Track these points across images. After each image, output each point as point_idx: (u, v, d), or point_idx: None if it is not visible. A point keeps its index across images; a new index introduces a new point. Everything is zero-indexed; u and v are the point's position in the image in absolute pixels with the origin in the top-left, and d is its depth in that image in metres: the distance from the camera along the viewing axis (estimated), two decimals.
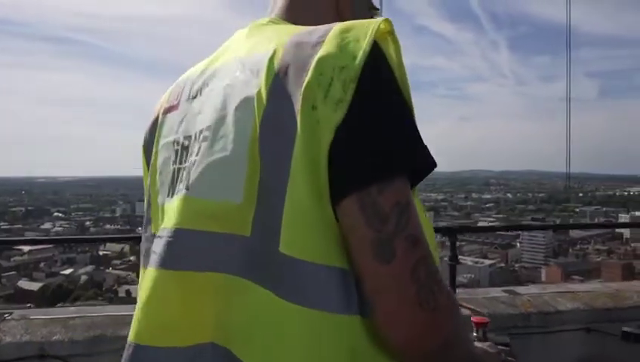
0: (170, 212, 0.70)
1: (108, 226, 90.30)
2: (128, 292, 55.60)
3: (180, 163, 0.72)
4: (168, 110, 0.80)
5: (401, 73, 0.61)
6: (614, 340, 2.80)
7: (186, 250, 0.65)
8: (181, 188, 0.69)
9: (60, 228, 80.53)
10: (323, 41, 0.60)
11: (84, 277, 58.62)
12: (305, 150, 0.56)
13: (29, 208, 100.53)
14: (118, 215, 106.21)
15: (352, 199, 0.56)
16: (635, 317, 2.93)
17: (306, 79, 0.57)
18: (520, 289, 3.40)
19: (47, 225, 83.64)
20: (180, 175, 0.71)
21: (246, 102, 0.63)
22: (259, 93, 0.61)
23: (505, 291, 3.30)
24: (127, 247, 71.23)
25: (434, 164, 0.60)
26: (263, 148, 0.60)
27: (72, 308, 3.11)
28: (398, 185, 0.57)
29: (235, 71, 0.68)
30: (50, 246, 62.27)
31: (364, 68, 0.57)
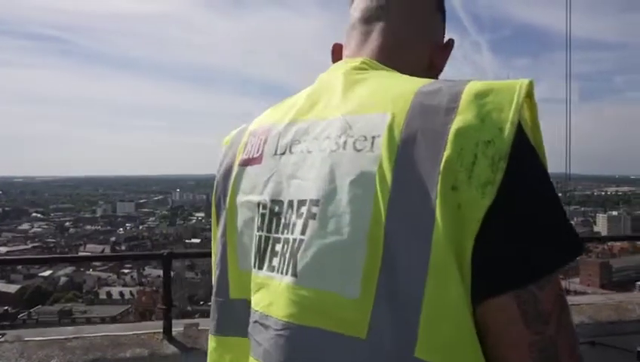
0: (271, 295, 0.62)
1: (88, 227, 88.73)
2: (109, 294, 54.76)
3: (269, 231, 0.65)
4: (247, 162, 0.72)
5: (537, 139, 0.54)
6: (620, 354, 2.82)
7: (297, 350, 0.58)
8: (281, 266, 0.61)
9: (38, 229, 78.87)
10: (456, 107, 0.52)
11: (63, 279, 57.45)
12: (446, 239, 0.48)
13: (7, 209, 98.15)
14: (98, 215, 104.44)
15: (508, 297, 0.49)
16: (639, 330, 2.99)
17: (445, 154, 0.50)
18: None
19: (25, 226, 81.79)
20: (272, 246, 0.64)
21: (363, 177, 0.55)
22: (381, 168, 0.54)
23: None
24: (107, 248, 70.14)
25: (583, 250, 0.53)
26: (389, 234, 0.52)
27: (70, 328, 3.02)
28: (556, 278, 0.51)
29: (339, 132, 0.60)
30: (28, 246, 60.85)
31: (513, 143, 0.49)
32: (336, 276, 0.55)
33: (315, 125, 0.65)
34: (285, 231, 0.62)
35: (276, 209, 0.65)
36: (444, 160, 0.49)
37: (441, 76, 0.73)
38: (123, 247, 74.08)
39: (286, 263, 0.61)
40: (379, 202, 0.53)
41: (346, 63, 0.71)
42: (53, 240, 75.25)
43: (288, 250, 0.61)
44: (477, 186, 0.48)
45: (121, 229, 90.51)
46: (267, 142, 0.70)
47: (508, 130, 0.49)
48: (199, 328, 2.85)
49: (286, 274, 0.60)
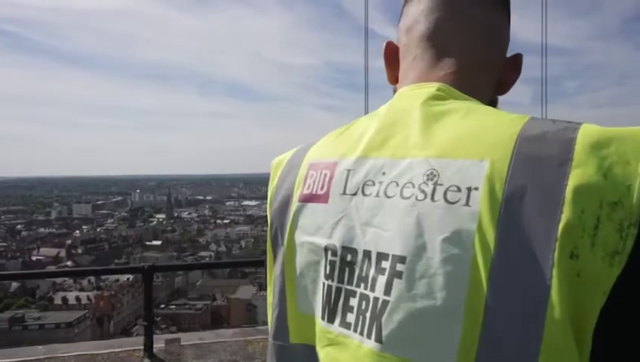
0: (350, 357, 0.56)
1: (42, 230, 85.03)
2: (65, 299, 52.64)
3: (340, 281, 0.59)
4: (309, 198, 0.65)
5: None
6: None
7: None
8: (360, 326, 0.55)
9: None
10: (571, 159, 0.45)
11: (15, 285, 54.80)
12: (562, 313, 0.43)
13: None
14: (53, 217, 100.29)
15: None
16: None
17: (563, 216, 0.44)
18: None
19: None
20: (345, 299, 0.58)
21: (459, 236, 0.49)
22: (480, 227, 0.47)
23: None
24: (63, 252, 67.46)
25: None
26: (491, 304, 0.46)
27: (40, 347, 2.84)
28: None
29: (424, 178, 0.53)
30: None
31: None
32: (428, 346, 0.50)
33: (392, 166, 0.57)
34: (362, 286, 0.57)
35: (349, 258, 0.59)
36: (562, 223, 0.43)
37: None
38: (79, 250, 71.43)
39: (367, 324, 0.55)
40: (478, 266, 0.47)
41: (420, 89, 0.63)
42: (4, 244, 71.70)
43: (369, 310, 0.55)
44: (602, 255, 0.43)
45: (78, 232, 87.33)
46: (334, 178, 0.63)
47: (637, 189, 0.43)
48: (181, 344, 2.74)
49: (368, 337, 0.54)
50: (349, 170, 0.61)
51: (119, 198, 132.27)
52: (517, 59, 0.69)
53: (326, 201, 0.63)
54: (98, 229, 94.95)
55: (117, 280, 56.72)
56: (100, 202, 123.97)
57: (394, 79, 0.73)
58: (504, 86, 0.68)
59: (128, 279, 53.58)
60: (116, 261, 77.31)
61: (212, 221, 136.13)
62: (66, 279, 54.29)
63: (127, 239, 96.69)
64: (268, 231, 0.73)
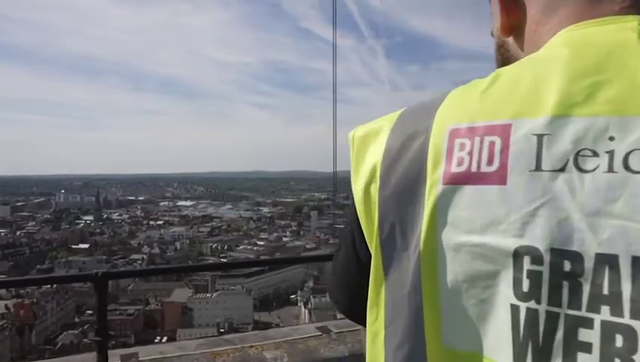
0: None
1: None
2: None
3: (555, 303, 0.39)
4: (465, 179, 0.45)
5: None
6: None
7: None
8: None
9: None
10: None
11: None
12: None
13: None
14: None
15: None
16: None
17: None
18: None
19: None
20: (568, 332, 0.39)
21: None
22: None
23: None
24: None
25: None
26: None
27: None
28: None
29: None
30: None
31: None
32: None
33: (624, 126, 0.39)
34: (606, 310, 0.37)
35: (566, 266, 0.39)
36: None
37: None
38: None
39: None
40: None
41: (614, 23, 0.47)
42: None
43: (628, 349, 0.36)
44: None
45: None
46: (511, 148, 0.43)
47: None
48: (140, 359, 2.34)
49: None
50: (539, 136, 0.42)
51: (42, 199, 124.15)
52: None
53: (502, 182, 0.43)
54: (18, 233, 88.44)
55: (39, 287, 52.77)
56: (19, 203, 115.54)
57: (507, 28, 0.57)
58: None
59: (52, 286, 50.04)
60: (38, 266, 72.44)
61: (145, 222, 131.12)
62: None
63: (50, 243, 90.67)
64: (374, 230, 0.51)
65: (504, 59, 0.58)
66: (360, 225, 0.52)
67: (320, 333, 3.06)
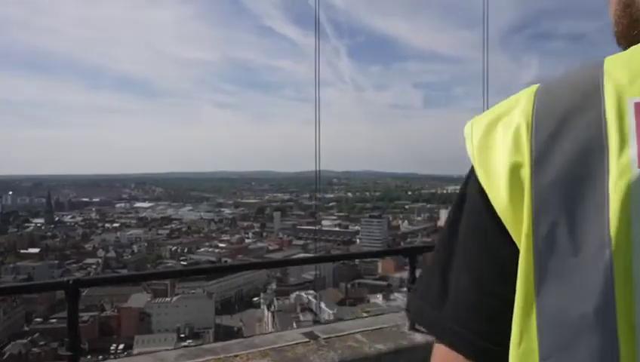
0: None
1: None
2: None
3: None
4: None
5: None
6: None
7: None
8: None
9: None
10: None
11: None
12: None
13: None
14: None
15: None
16: None
17: None
18: None
19: None
20: None
21: None
22: None
23: None
24: None
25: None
26: None
27: None
28: None
29: None
30: None
31: None
32: None
33: None
34: None
35: None
36: None
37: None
38: None
39: None
40: None
41: None
42: None
43: None
44: None
45: None
46: None
47: None
48: None
49: None
50: None
51: None
52: None
53: None
54: None
55: None
56: None
57: (623, 7, 0.50)
58: None
59: None
60: None
61: (100, 225, 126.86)
62: None
63: None
64: (524, 227, 0.39)
65: (634, 20, 0.49)
66: (495, 221, 0.41)
67: (307, 339, 2.94)
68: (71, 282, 2.12)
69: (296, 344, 2.87)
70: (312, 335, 3.00)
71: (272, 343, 2.85)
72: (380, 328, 3.06)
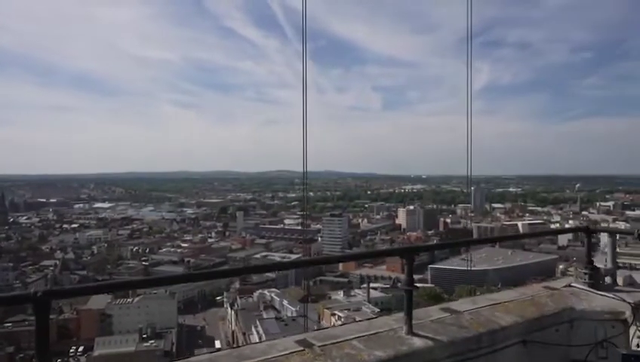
0: None
1: None
2: None
3: None
4: None
5: None
6: (552, 350, 3.10)
7: None
8: None
9: None
10: None
11: None
12: None
13: None
14: None
15: None
16: (556, 322, 3.29)
17: None
18: (453, 304, 3.42)
19: None
20: None
21: None
22: None
23: (442, 309, 3.26)
24: None
25: None
26: None
27: None
28: None
29: None
30: None
31: None
32: None
33: None
34: None
35: None
36: None
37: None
38: None
39: None
40: None
41: None
42: None
43: None
44: None
45: None
46: None
47: None
48: None
49: None
50: None
51: None
52: None
53: None
54: None
55: None
56: None
57: None
58: None
59: None
60: None
61: (57, 226, 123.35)
62: None
63: None
64: None
65: None
66: None
67: (302, 348, 2.71)
68: (40, 294, 1.84)
69: (291, 353, 2.65)
70: (306, 343, 2.78)
71: (264, 353, 2.64)
72: (376, 333, 2.87)
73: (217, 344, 58.17)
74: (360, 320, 2.91)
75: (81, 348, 54.79)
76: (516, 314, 3.14)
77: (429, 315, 3.09)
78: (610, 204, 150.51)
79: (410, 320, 2.83)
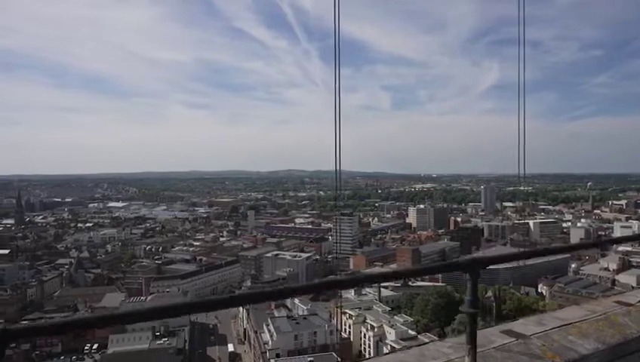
0: None
1: None
2: None
3: None
4: None
5: None
6: None
7: None
8: None
9: None
10: None
11: None
12: None
13: None
14: None
15: None
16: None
17: None
18: (515, 325, 2.77)
19: None
20: None
21: None
22: None
23: (504, 332, 2.64)
24: None
25: None
26: None
27: None
28: None
29: None
30: None
31: None
32: None
33: None
34: None
35: None
36: None
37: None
38: None
39: None
40: None
41: None
42: None
43: None
44: None
45: None
46: None
47: None
48: None
49: None
50: None
51: None
52: None
53: None
54: None
55: None
56: None
57: None
58: None
59: None
60: None
61: (72, 225, 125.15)
62: None
63: None
64: None
65: None
66: None
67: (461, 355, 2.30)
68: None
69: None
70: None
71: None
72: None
73: (230, 347, 58.95)
74: (409, 348, 2.50)
75: (95, 346, 55.96)
76: (595, 339, 2.59)
77: (491, 341, 2.54)
78: (623, 202, 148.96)
79: (474, 350, 2.28)
